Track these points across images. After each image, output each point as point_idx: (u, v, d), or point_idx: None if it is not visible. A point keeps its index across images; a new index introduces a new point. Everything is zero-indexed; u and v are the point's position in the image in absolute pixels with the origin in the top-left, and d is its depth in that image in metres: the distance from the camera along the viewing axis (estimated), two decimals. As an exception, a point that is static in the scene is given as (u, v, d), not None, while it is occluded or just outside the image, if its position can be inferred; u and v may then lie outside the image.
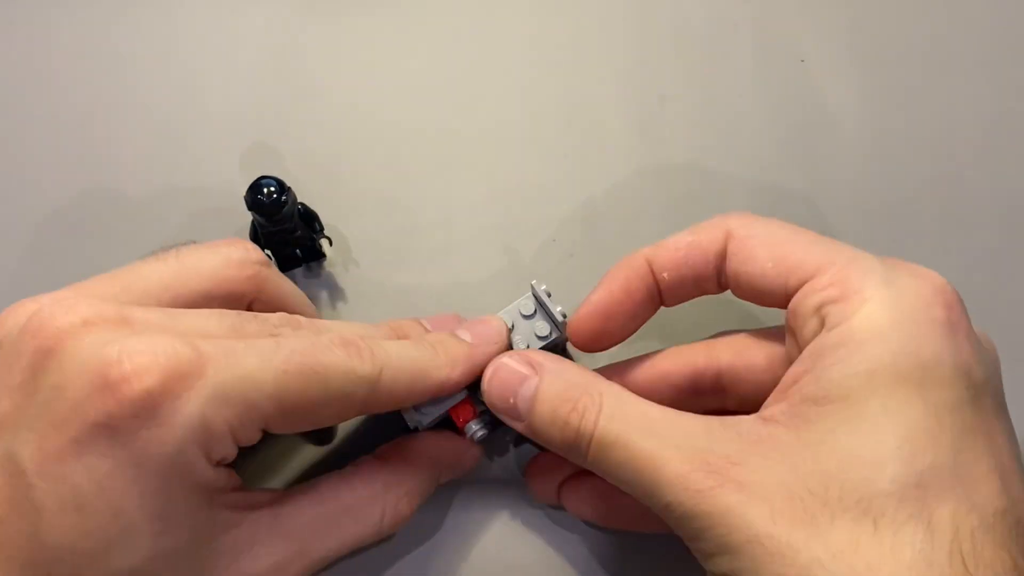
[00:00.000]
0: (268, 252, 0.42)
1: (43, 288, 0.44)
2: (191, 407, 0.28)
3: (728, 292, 0.37)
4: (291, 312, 0.36)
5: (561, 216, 0.45)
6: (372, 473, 0.36)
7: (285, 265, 0.44)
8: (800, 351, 0.31)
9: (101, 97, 0.48)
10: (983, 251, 0.44)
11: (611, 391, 0.33)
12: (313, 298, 0.44)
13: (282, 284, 0.37)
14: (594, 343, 0.38)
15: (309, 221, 0.42)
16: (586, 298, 0.37)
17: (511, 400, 0.34)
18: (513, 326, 0.39)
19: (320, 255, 0.44)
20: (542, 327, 0.39)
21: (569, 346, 0.42)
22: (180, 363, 0.28)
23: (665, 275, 0.36)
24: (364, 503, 0.35)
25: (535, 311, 0.39)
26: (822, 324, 0.31)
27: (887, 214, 0.45)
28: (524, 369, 0.34)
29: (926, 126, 0.47)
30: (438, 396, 0.36)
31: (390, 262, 0.44)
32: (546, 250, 0.44)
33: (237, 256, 0.35)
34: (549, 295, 0.39)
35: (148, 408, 0.27)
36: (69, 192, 0.46)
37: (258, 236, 0.41)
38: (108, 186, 0.46)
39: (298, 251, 0.44)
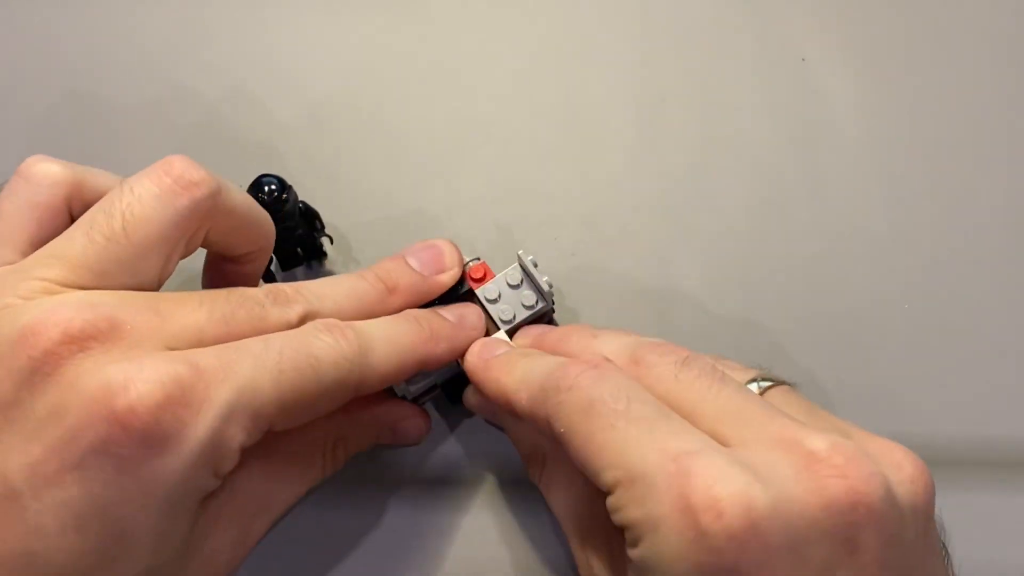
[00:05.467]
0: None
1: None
2: (200, 432, 0.28)
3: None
4: (248, 237, 0.36)
5: (561, 216, 0.45)
6: (312, 423, 0.35)
7: (286, 264, 0.44)
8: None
9: (101, 96, 0.48)
10: (983, 251, 0.44)
11: None
12: (314, 297, 0.44)
13: (235, 211, 0.35)
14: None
15: (310, 220, 0.42)
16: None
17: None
18: (500, 296, 0.40)
19: (321, 253, 0.44)
20: (528, 296, 0.40)
21: (556, 316, 0.43)
22: (183, 388, 0.28)
23: None
24: (307, 452, 0.36)
25: (522, 281, 0.40)
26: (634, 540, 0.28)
27: (887, 214, 0.45)
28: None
29: (926, 126, 0.47)
30: (423, 370, 0.37)
31: (391, 261, 0.44)
32: (547, 249, 0.44)
33: (183, 200, 0.32)
34: (536, 265, 0.40)
35: (156, 437, 0.27)
36: (69, 191, 0.46)
37: (259, 235, 0.41)
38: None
39: (299, 249, 0.44)
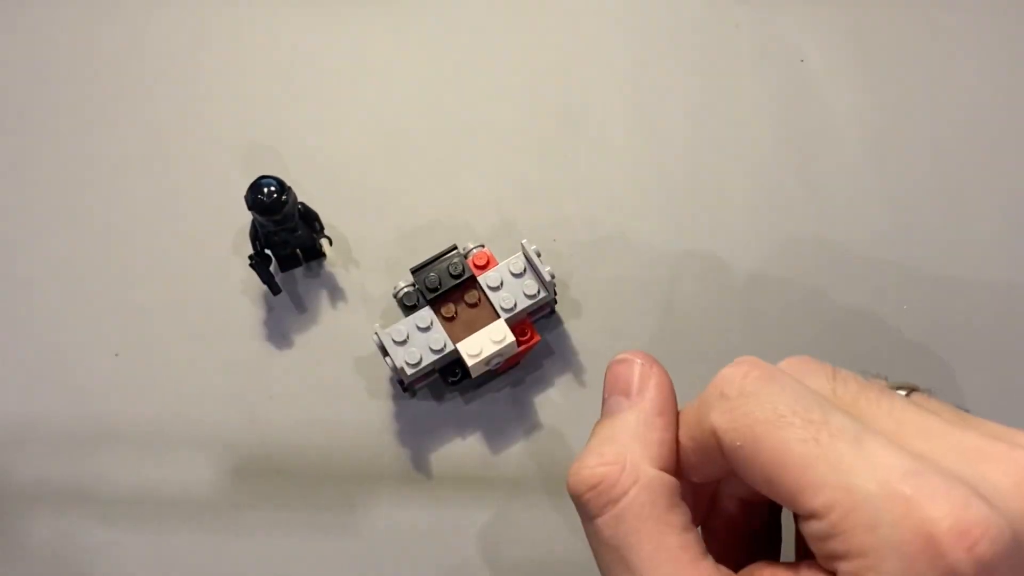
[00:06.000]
0: (268, 252, 0.42)
1: (39, 287, 0.44)
2: None
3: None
4: None
5: (561, 216, 0.45)
6: None
7: (285, 265, 0.44)
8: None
9: (101, 96, 0.48)
10: (983, 251, 0.44)
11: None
12: (313, 298, 0.44)
13: None
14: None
15: (309, 221, 0.42)
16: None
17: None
18: (502, 283, 0.40)
19: (320, 255, 0.44)
20: (531, 286, 0.40)
21: (559, 308, 0.43)
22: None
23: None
24: None
25: (524, 270, 0.40)
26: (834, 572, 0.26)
27: (887, 214, 0.45)
28: None
29: (926, 126, 0.47)
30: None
31: (390, 262, 0.44)
32: (546, 250, 0.44)
33: None
34: (539, 255, 0.40)
35: None
36: (68, 191, 0.46)
37: (258, 236, 0.41)
38: (108, 185, 0.46)
39: (298, 251, 0.44)
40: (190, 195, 0.46)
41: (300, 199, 0.41)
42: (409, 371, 0.39)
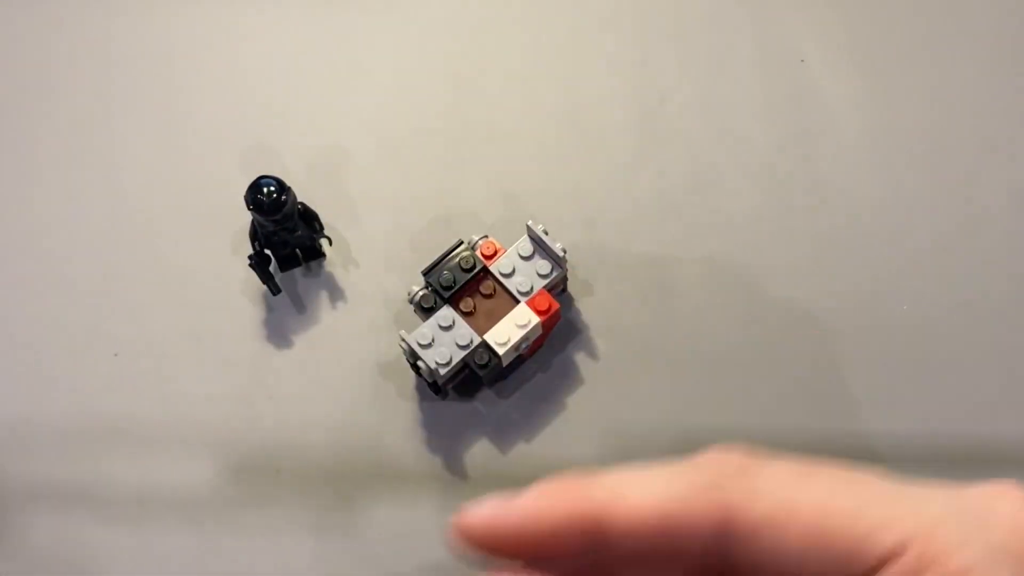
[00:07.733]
0: (268, 252, 0.42)
1: (39, 287, 0.44)
2: None
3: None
4: None
5: (561, 216, 0.45)
6: None
7: (285, 265, 0.44)
8: None
9: (101, 96, 0.48)
10: (984, 250, 0.44)
11: None
12: (313, 298, 0.44)
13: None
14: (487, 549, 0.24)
15: (309, 221, 0.42)
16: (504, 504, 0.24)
17: None
18: (514, 269, 0.40)
19: (320, 255, 0.44)
20: (543, 266, 0.40)
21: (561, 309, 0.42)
22: None
23: (623, 544, 0.23)
24: None
25: (533, 252, 0.40)
26: None
27: (887, 214, 0.45)
28: None
29: (926, 126, 0.47)
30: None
31: (390, 262, 0.44)
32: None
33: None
34: (547, 233, 0.40)
35: None
36: (68, 191, 0.46)
37: (258, 236, 0.41)
38: (108, 185, 0.46)
39: (298, 251, 0.44)
40: (190, 195, 0.46)
41: (300, 199, 0.41)
42: (442, 371, 0.39)
